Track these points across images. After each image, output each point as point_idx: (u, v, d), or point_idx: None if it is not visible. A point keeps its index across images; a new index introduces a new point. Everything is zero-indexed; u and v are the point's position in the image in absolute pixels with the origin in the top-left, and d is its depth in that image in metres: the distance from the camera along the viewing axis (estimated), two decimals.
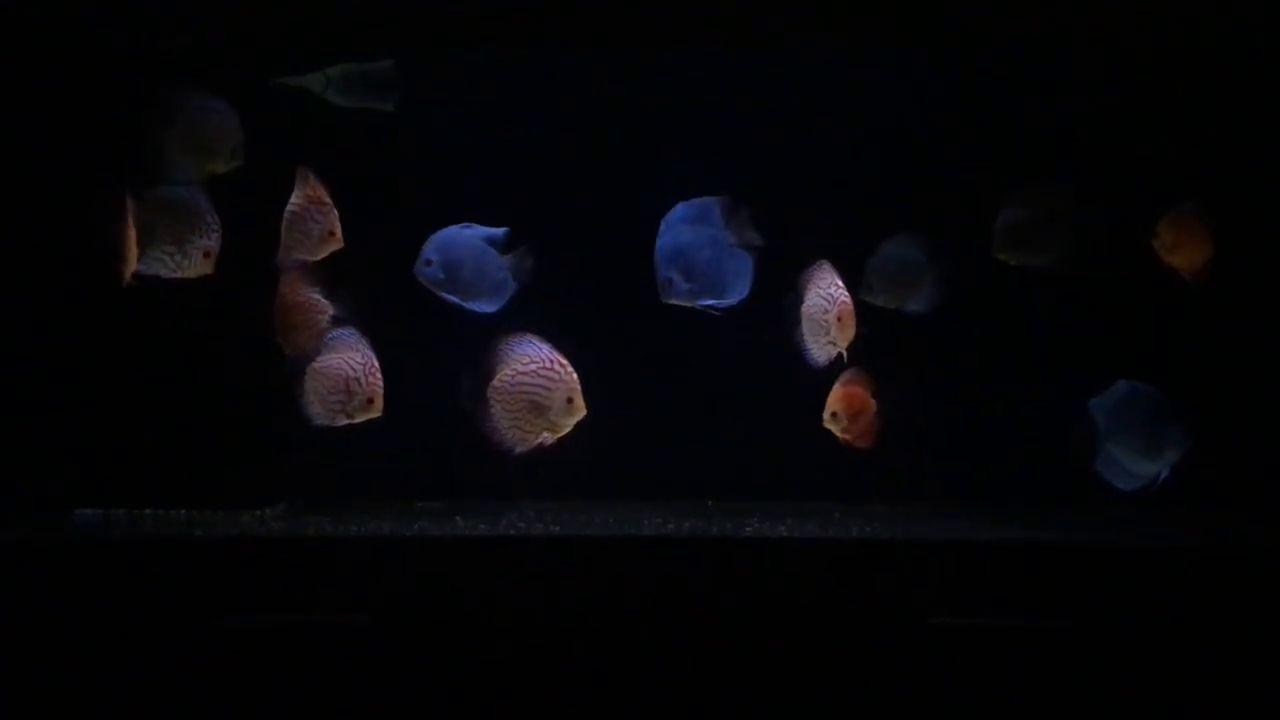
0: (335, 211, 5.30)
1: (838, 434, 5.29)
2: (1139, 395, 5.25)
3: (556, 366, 4.94)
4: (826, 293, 5.16)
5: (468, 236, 5.29)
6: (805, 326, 5.17)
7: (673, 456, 5.77)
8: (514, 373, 4.95)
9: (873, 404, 5.28)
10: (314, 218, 5.28)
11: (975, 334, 5.77)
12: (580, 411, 4.96)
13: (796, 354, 5.21)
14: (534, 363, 4.94)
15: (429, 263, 5.27)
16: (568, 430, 4.99)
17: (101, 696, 4.72)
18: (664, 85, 5.79)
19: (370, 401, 5.14)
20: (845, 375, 5.28)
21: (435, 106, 5.74)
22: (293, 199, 5.29)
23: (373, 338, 5.22)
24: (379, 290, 5.41)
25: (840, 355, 5.18)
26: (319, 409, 5.17)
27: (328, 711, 4.76)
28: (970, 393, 5.79)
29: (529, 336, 4.98)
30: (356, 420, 5.16)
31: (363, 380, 5.14)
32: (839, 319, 5.15)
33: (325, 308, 5.34)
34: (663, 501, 5.62)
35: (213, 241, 5.20)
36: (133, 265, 5.11)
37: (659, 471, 5.75)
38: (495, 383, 4.96)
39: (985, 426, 5.76)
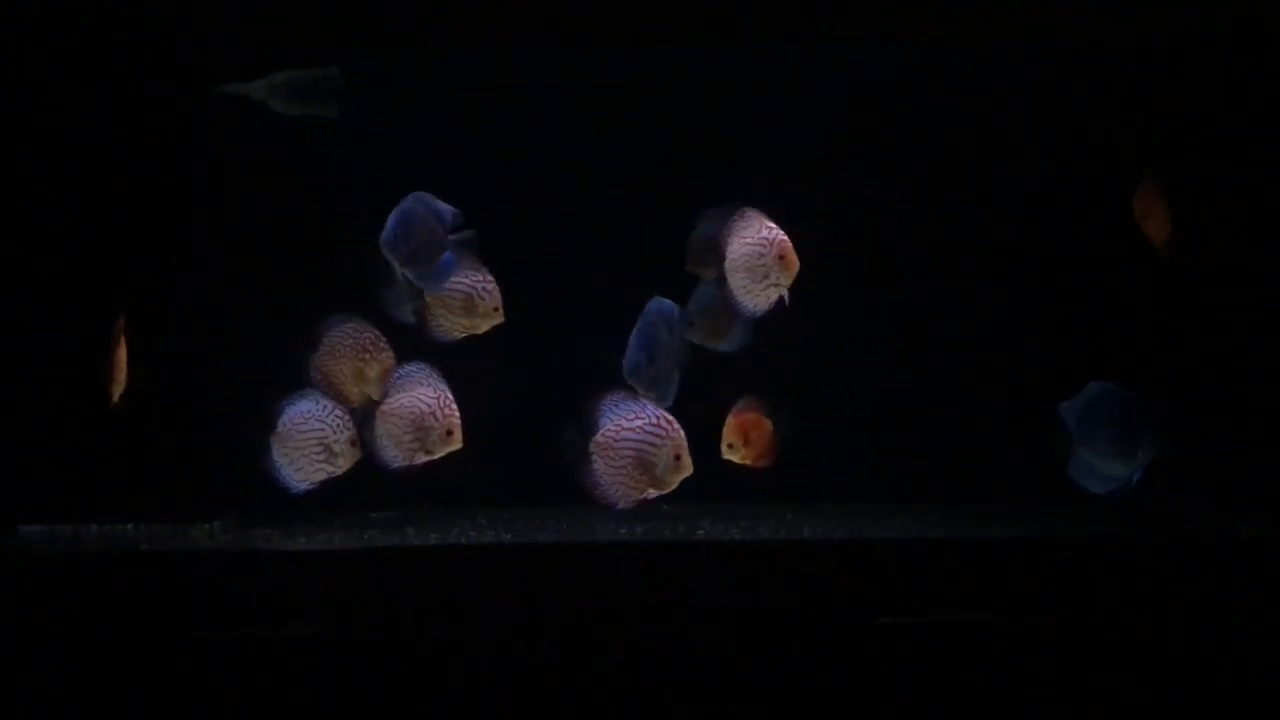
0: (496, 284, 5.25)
1: (738, 461, 5.31)
2: (1111, 396, 5.15)
3: (664, 423, 4.78)
4: (758, 236, 4.98)
5: (422, 212, 5.16)
6: (736, 280, 4.99)
7: None
8: (619, 428, 4.80)
9: (767, 424, 5.32)
10: (480, 294, 5.20)
11: (930, 333, 5.85)
12: (688, 469, 4.82)
13: (740, 342, 5.21)
14: (639, 419, 4.79)
15: (397, 236, 5.13)
16: (673, 488, 4.86)
17: (49, 714, 4.67)
18: (664, 85, 5.81)
19: (449, 434, 5.06)
20: (738, 405, 5.32)
21: (428, 107, 5.78)
22: (455, 279, 5.19)
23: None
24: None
25: (782, 299, 4.99)
26: (394, 451, 5.09)
27: None
28: (921, 392, 5.84)
29: (629, 395, 4.87)
30: (437, 455, 5.08)
31: (438, 414, 5.05)
32: (780, 258, 4.96)
33: (387, 351, 5.26)
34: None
35: (353, 431, 5.09)
36: (122, 388, 5.17)
37: None
38: (599, 438, 4.81)
39: (935, 426, 5.81)
